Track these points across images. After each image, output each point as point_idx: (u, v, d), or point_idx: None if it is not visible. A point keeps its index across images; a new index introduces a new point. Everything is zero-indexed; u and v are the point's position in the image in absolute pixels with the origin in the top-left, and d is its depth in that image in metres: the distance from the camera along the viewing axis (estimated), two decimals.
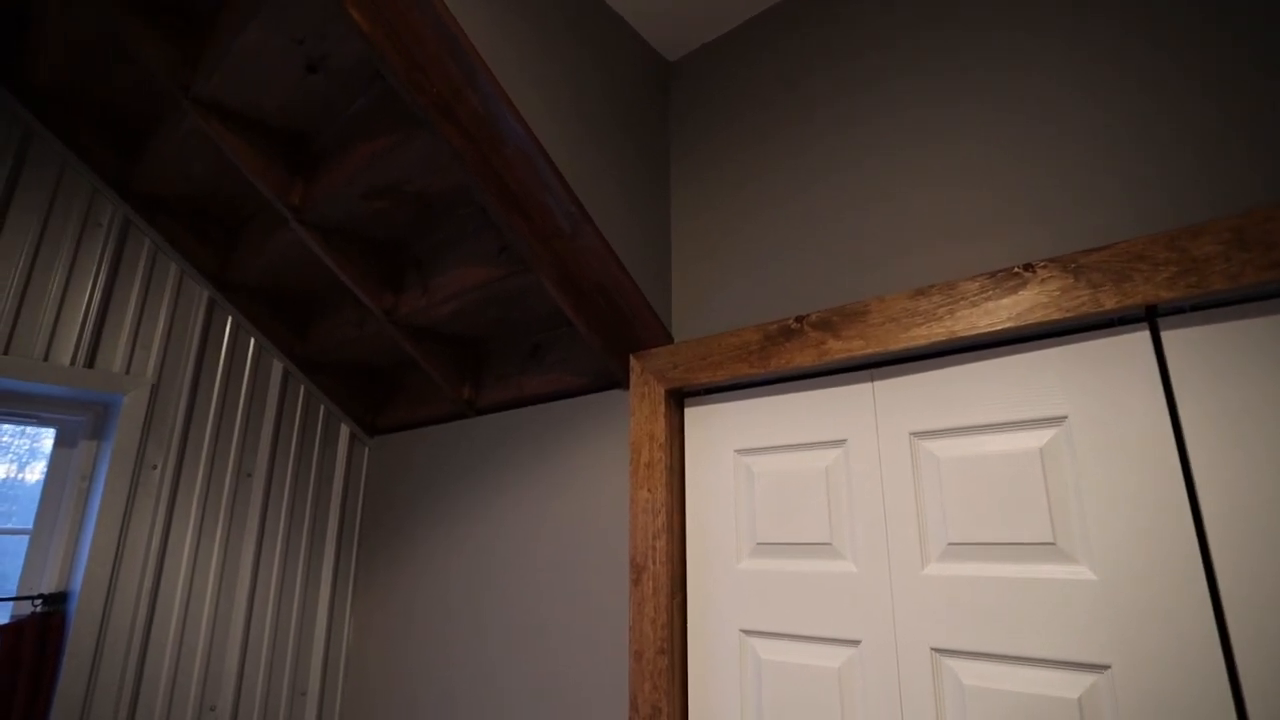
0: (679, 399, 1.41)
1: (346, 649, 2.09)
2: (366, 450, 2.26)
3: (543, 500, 1.60)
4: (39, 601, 1.67)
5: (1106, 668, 0.88)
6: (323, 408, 2.17)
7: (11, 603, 1.68)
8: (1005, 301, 1.01)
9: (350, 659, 2.07)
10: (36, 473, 1.81)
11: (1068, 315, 0.95)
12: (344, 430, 2.21)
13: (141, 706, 1.70)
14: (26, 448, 1.83)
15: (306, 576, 2.05)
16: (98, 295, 1.78)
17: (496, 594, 1.66)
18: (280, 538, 2.01)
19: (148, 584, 1.75)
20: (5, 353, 1.62)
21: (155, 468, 1.82)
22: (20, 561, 1.72)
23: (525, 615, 1.57)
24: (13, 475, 1.80)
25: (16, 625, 1.60)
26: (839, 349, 1.16)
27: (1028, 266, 1.00)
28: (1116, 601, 0.89)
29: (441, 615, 1.80)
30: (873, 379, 1.18)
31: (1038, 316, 0.98)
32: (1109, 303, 0.92)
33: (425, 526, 1.94)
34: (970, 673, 0.98)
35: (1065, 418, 0.97)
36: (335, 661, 2.06)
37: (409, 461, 2.07)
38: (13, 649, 1.58)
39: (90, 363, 1.75)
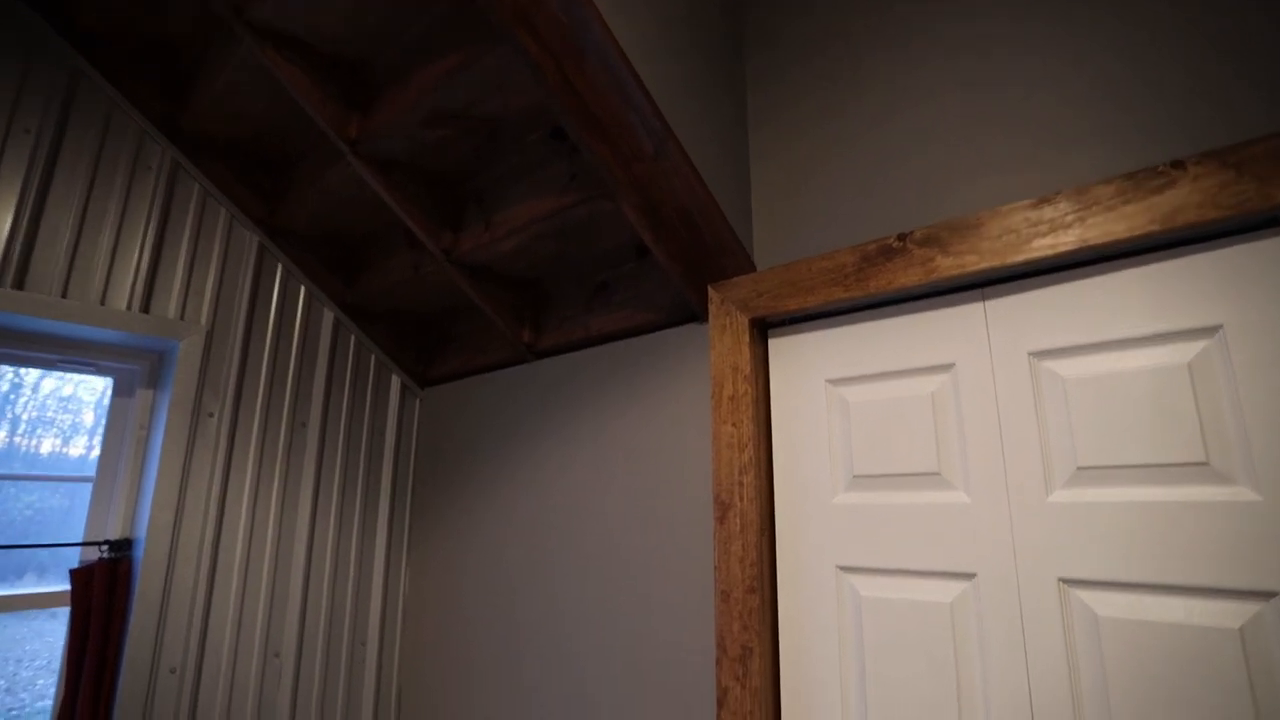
0: (762, 330, 1.34)
1: (404, 599, 2.07)
2: (418, 402, 2.22)
3: (615, 441, 1.55)
4: (105, 547, 1.66)
5: (1274, 594, 0.80)
6: (373, 358, 2.13)
7: (80, 548, 1.67)
8: (1148, 204, 0.92)
9: (408, 609, 2.05)
10: (79, 447, 1.79)
11: (1227, 213, 0.86)
12: (395, 381, 2.17)
13: (209, 651, 1.70)
14: (69, 423, 1.80)
15: (362, 526, 2.03)
16: (150, 239, 1.74)
17: (565, 540, 1.62)
18: (336, 487, 1.99)
19: (210, 531, 1.74)
20: (63, 296, 1.59)
21: (212, 415, 1.80)
22: (81, 516, 1.72)
23: (597, 560, 1.53)
24: (58, 449, 1.78)
25: (85, 570, 1.59)
26: (949, 266, 1.08)
27: (1176, 164, 0.91)
28: None
29: (502, 563, 1.77)
30: (984, 298, 1.09)
31: (1190, 217, 0.88)
32: None
33: (483, 474, 1.90)
34: (1106, 604, 0.91)
35: (1219, 328, 0.89)
36: (393, 611, 2.05)
37: (463, 411, 2.03)
38: (83, 592, 1.57)
39: (145, 308, 1.72)
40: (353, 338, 2.10)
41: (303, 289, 2.01)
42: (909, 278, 1.11)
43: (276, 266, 1.97)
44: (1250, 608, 0.81)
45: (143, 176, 1.75)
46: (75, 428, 1.81)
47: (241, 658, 1.75)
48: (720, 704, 1.19)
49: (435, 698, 1.88)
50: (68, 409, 1.81)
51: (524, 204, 1.48)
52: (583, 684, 1.49)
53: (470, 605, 1.84)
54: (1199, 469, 0.87)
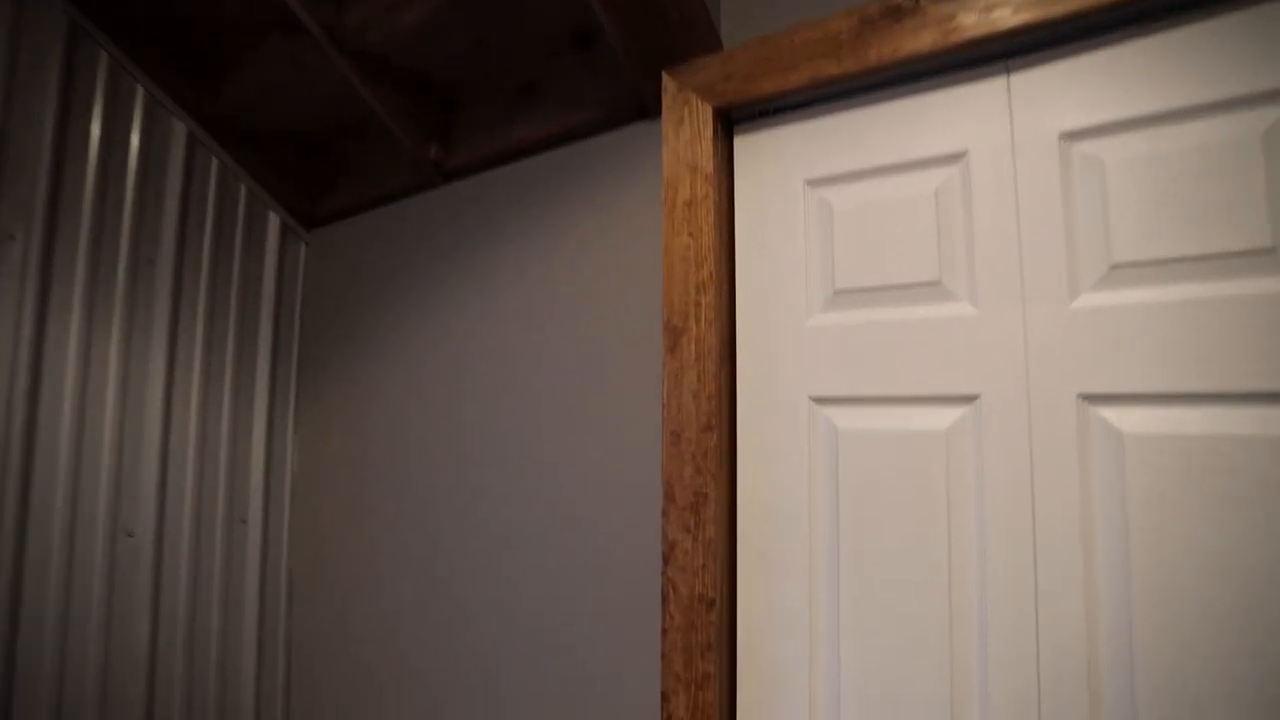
0: (728, 125, 1.10)
1: (292, 470, 1.80)
2: (304, 246, 1.86)
3: (545, 273, 1.30)
4: None
5: None
6: (244, 189, 1.74)
7: None
8: None
9: (298, 482, 1.79)
10: None
11: None
12: (273, 220, 1.80)
13: (34, 527, 1.38)
14: None
15: (236, 389, 1.71)
16: None
17: (486, 393, 1.38)
18: (199, 341, 1.64)
19: (22, 383, 1.38)
20: None
21: (14, 238, 1.39)
22: None
23: (527, 414, 1.31)
24: None
25: None
26: (974, 25, 0.86)
27: None
28: None
29: (409, 425, 1.52)
30: (1008, 70, 0.89)
31: None
32: None
33: (384, 327, 1.61)
34: (1133, 419, 0.77)
35: None
36: (279, 484, 1.78)
37: (359, 253, 1.70)
38: None
39: None
40: (214, 161, 1.69)
41: (140, 89, 1.57)
42: (921, 42, 0.89)
43: (99, 55, 1.51)
44: None
45: None
46: None
47: (81, 536, 1.45)
48: (666, 560, 1.03)
49: (335, 580, 1.66)
50: None
51: None
52: (506, 555, 1.30)
53: (372, 473, 1.60)
54: (1263, 257, 0.72)
